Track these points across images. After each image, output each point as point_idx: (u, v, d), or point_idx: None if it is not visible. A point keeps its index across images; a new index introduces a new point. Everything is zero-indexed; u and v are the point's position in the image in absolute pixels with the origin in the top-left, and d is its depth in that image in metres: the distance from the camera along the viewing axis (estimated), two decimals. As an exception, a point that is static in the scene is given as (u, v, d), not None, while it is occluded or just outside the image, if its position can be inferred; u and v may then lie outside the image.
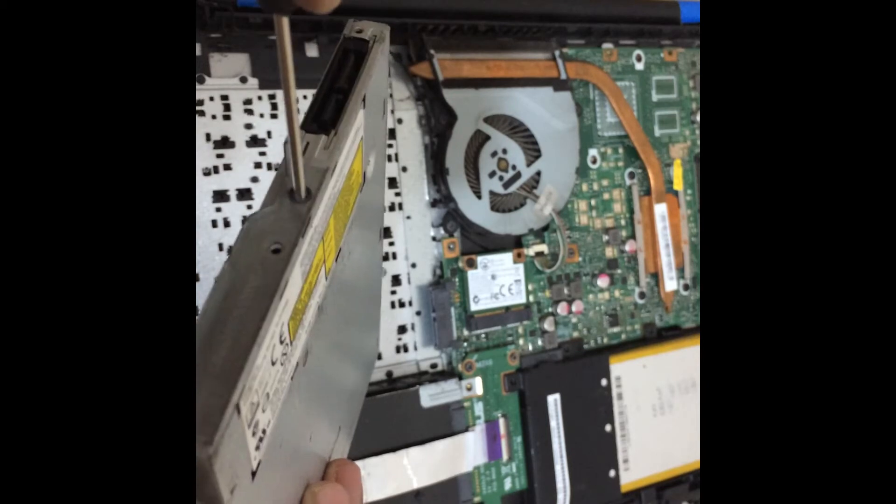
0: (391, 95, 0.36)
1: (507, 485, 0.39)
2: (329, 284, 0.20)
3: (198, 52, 0.31)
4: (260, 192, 0.33)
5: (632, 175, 0.43)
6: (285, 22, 0.17)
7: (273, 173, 0.33)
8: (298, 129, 0.18)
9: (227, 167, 0.32)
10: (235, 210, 0.32)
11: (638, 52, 0.43)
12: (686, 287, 0.45)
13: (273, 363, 0.17)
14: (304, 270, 0.18)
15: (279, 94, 0.33)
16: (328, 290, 0.20)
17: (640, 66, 0.43)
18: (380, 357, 0.36)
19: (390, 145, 0.36)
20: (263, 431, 0.17)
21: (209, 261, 0.32)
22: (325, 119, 0.19)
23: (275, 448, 0.19)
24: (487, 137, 0.38)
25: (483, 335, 0.38)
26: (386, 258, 0.36)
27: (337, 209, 0.20)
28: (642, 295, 0.43)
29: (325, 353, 0.22)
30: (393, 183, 0.36)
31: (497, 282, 0.38)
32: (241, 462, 0.16)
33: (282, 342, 0.17)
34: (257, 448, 0.17)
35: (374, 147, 0.22)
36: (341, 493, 0.23)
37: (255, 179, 0.33)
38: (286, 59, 0.17)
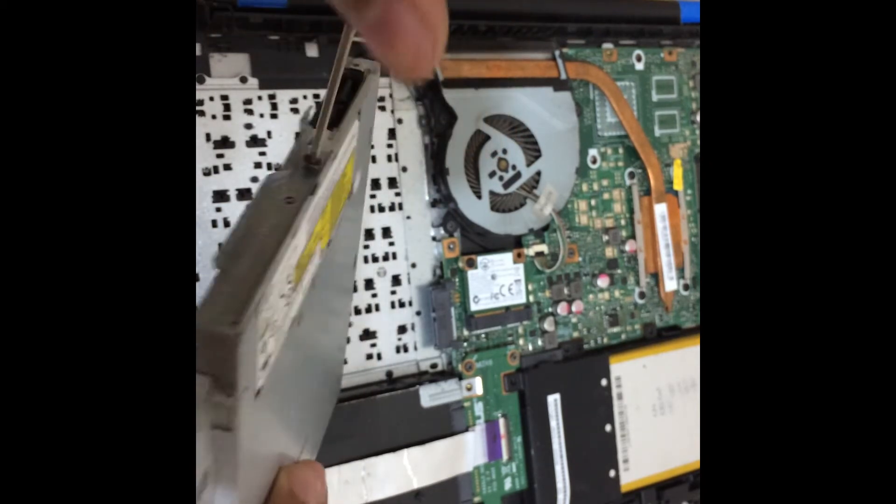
0: (391, 95, 0.36)
1: (507, 485, 0.39)
2: (320, 266, 0.22)
3: (198, 52, 0.31)
4: (260, 192, 0.33)
5: (632, 175, 0.43)
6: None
7: (273, 173, 0.33)
8: (333, 103, 0.21)
9: (227, 167, 0.32)
10: (235, 210, 0.32)
11: (638, 52, 0.43)
12: (686, 287, 0.45)
13: (281, 296, 0.19)
14: (308, 231, 0.20)
15: (279, 93, 0.33)
16: (319, 270, 0.22)
17: (640, 66, 0.43)
18: (380, 357, 0.36)
19: (390, 145, 0.36)
20: (268, 357, 0.19)
21: (209, 261, 0.32)
22: (330, 120, 0.22)
23: (271, 389, 0.20)
24: (487, 137, 0.38)
25: (483, 335, 0.38)
26: (386, 258, 0.36)
27: (333, 198, 0.22)
28: (642, 295, 0.43)
29: (308, 338, 0.23)
30: (393, 183, 0.36)
31: (497, 282, 0.38)
32: (252, 366, 0.18)
33: (288, 282, 0.19)
34: (262, 369, 0.19)
35: (359, 167, 0.25)
36: (317, 471, 0.24)
37: (255, 179, 0.33)
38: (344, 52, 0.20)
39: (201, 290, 0.31)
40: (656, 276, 0.44)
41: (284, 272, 0.19)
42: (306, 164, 0.21)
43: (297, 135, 0.22)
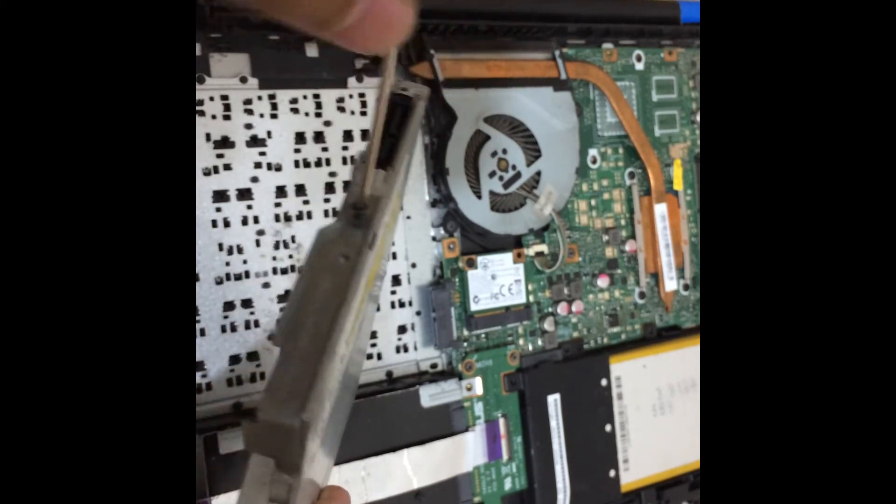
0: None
1: (507, 485, 0.39)
2: (366, 306, 0.22)
3: (198, 52, 0.31)
4: (260, 192, 0.33)
5: (632, 175, 0.43)
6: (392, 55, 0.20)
7: (273, 173, 0.33)
8: (375, 156, 0.21)
9: (227, 167, 0.32)
10: (235, 210, 0.32)
11: (638, 52, 0.43)
12: (686, 287, 0.45)
13: (340, 359, 0.19)
14: (365, 284, 0.20)
15: (279, 93, 0.33)
16: (363, 311, 0.22)
17: (640, 66, 0.43)
18: (380, 357, 0.36)
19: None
20: (325, 421, 0.19)
21: (209, 261, 0.32)
22: (381, 157, 0.21)
23: (321, 441, 0.20)
24: (487, 137, 0.38)
25: (483, 335, 0.38)
26: (386, 258, 0.36)
27: (384, 237, 0.22)
28: (642, 295, 0.43)
29: (348, 367, 0.22)
30: (393, 183, 0.36)
31: (497, 282, 0.38)
32: (315, 442, 0.18)
33: (346, 343, 0.19)
34: (320, 435, 0.19)
35: (403, 187, 0.25)
36: (344, 502, 0.24)
37: (255, 179, 0.33)
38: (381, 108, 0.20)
39: (201, 290, 0.31)
40: (656, 276, 0.44)
41: (344, 337, 0.18)
42: (357, 212, 0.20)
43: (351, 178, 0.21)
